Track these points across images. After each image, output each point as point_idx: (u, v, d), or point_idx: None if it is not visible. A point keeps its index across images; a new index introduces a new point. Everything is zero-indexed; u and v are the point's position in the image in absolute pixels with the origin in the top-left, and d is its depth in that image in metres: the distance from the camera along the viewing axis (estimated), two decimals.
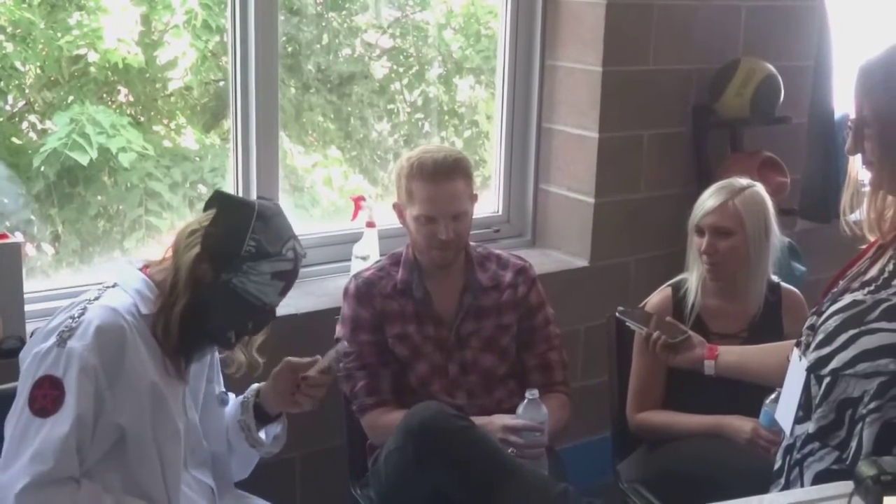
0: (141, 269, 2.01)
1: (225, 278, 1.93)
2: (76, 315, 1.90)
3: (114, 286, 1.99)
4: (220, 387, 2.26)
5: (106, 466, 1.93)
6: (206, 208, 2.01)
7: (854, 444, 1.69)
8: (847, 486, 1.48)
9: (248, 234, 1.93)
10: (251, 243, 1.93)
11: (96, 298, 1.95)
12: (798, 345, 1.86)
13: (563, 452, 2.66)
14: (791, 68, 3.49)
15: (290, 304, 2.79)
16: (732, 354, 2.25)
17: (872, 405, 1.67)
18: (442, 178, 2.42)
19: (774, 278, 2.69)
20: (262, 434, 2.24)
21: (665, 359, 2.30)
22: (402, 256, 2.56)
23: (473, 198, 2.53)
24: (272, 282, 1.96)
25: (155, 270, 2.01)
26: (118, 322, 1.89)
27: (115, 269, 2.09)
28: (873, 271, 1.76)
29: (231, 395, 2.29)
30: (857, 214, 1.83)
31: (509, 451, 2.29)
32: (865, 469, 1.44)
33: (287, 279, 2.00)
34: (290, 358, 2.17)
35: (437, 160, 2.43)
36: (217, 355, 2.24)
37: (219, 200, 2.00)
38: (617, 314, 2.42)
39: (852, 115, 1.73)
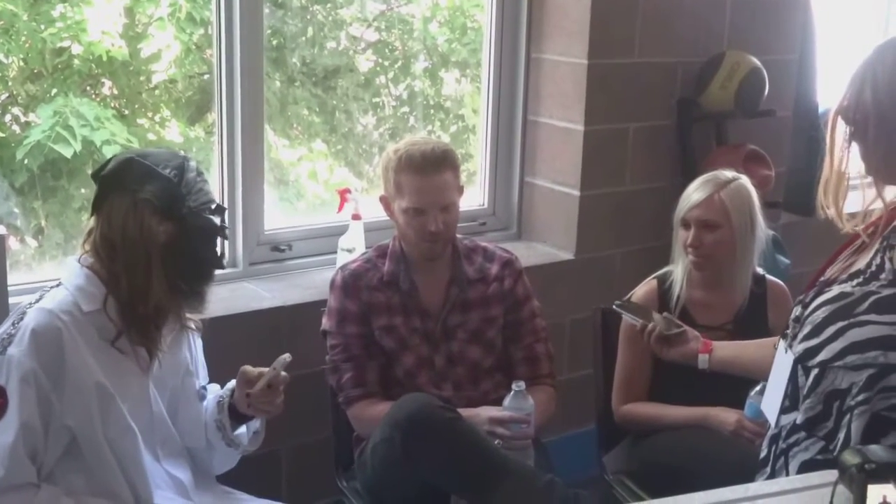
0: (87, 267, 2.00)
1: (185, 212, 1.98)
2: (16, 321, 1.91)
3: (58, 285, 2.00)
4: (200, 381, 2.25)
5: (67, 468, 1.94)
6: (95, 200, 2.00)
7: (842, 435, 1.69)
8: (832, 474, 1.48)
9: (161, 171, 1.98)
10: (168, 172, 1.98)
11: (36, 301, 1.95)
12: (784, 336, 1.86)
13: (549, 444, 2.66)
14: (776, 62, 3.50)
15: (277, 297, 2.79)
16: (727, 349, 2.25)
17: (861, 397, 1.67)
18: (431, 170, 2.42)
19: (760, 270, 2.70)
20: (242, 429, 2.23)
21: (659, 352, 2.31)
22: (389, 248, 2.55)
23: (460, 190, 2.53)
24: (205, 187, 2.05)
25: (99, 266, 1.99)
26: (53, 323, 1.89)
27: (63, 267, 2.09)
28: (861, 263, 1.76)
29: (216, 386, 2.28)
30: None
31: (496, 442, 2.29)
32: (850, 457, 1.44)
33: (203, 177, 2.07)
34: (244, 367, 2.15)
35: (425, 152, 2.43)
36: (196, 349, 2.23)
37: (106, 179, 1.99)
38: (614, 307, 2.41)
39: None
